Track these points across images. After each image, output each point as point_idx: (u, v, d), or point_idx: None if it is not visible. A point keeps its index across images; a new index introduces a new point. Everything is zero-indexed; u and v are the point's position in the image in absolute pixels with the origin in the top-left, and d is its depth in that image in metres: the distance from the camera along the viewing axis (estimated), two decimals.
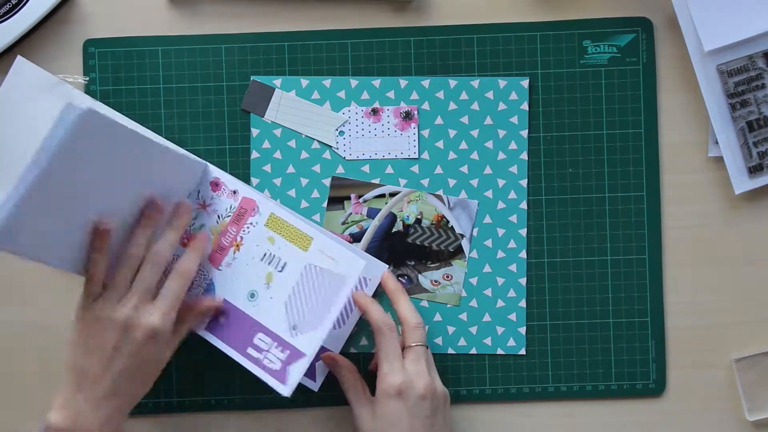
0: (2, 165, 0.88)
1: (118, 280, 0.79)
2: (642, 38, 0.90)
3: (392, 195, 0.90)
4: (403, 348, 0.83)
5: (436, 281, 0.90)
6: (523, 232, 0.90)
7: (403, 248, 0.90)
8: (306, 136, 0.90)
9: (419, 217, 0.90)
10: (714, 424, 0.91)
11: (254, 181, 0.90)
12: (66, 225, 0.76)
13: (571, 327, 0.91)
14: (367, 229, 0.90)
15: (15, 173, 0.73)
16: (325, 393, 0.89)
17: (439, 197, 0.90)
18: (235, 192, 0.86)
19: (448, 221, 0.90)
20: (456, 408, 0.91)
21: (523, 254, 0.90)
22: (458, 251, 0.90)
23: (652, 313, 0.90)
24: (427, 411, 0.80)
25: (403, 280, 0.90)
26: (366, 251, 0.90)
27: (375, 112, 0.90)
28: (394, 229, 0.91)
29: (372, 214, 0.91)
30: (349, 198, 0.91)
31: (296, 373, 0.81)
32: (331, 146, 0.90)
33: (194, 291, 0.85)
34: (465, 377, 0.91)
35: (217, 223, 0.86)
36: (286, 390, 0.81)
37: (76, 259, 0.79)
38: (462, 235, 0.90)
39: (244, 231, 0.85)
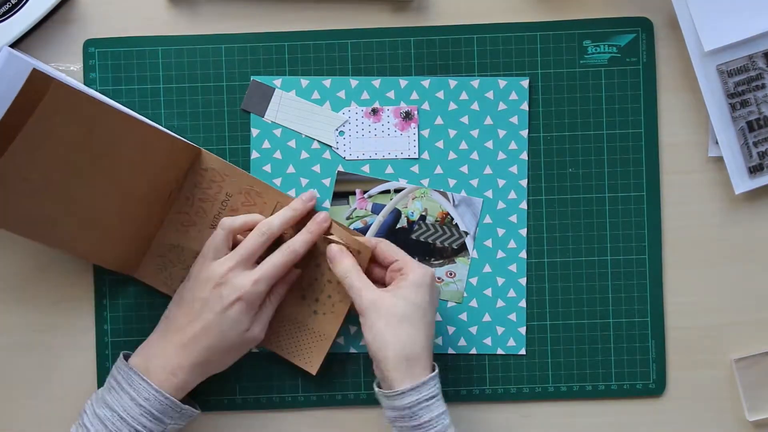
0: None
1: (240, 246, 0.84)
2: (642, 38, 0.90)
3: (397, 191, 0.91)
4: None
5: (439, 278, 0.90)
6: (523, 232, 0.90)
7: (407, 244, 0.90)
8: (306, 136, 0.90)
9: (424, 213, 0.90)
10: (714, 424, 0.91)
11: None
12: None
13: (571, 327, 0.91)
14: (371, 224, 0.91)
15: None
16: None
17: (443, 194, 0.90)
18: None
19: (452, 218, 0.90)
20: (456, 408, 0.91)
21: (523, 254, 0.90)
22: (462, 249, 0.90)
23: (652, 313, 0.90)
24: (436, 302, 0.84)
25: None
26: None
27: (375, 112, 0.90)
28: (398, 225, 0.91)
29: (377, 209, 0.91)
30: (354, 193, 0.91)
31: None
32: (331, 146, 0.90)
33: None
34: (465, 377, 0.91)
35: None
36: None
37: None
38: (466, 233, 0.90)
39: None
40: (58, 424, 0.91)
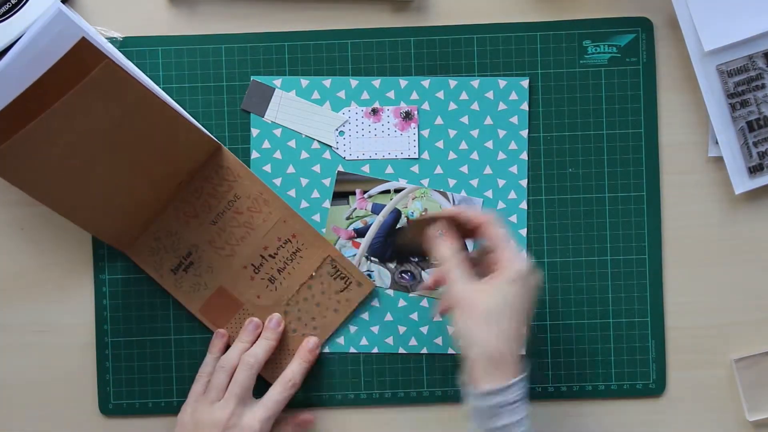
0: None
1: (214, 384, 0.86)
2: (642, 38, 0.90)
3: (397, 191, 0.91)
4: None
5: None
6: (523, 232, 0.90)
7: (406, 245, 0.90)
8: (306, 136, 0.90)
9: (424, 213, 0.90)
10: (714, 424, 0.91)
11: None
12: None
13: (571, 327, 0.91)
14: (371, 224, 0.91)
15: None
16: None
17: (443, 194, 0.90)
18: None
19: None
20: (456, 408, 0.91)
21: (523, 254, 0.90)
22: (462, 249, 0.90)
23: (652, 313, 0.90)
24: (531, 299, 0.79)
25: (407, 277, 0.90)
26: (369, 247, 0.90)
27: (375, 112, 0.90)
28: (398, 225, 0.91)
29: (376, 209, 0.91)
30: (354, 193, 0.91)
31: None
32: (331, 146, 0.90)
33: None
34: None
35: None
36: None
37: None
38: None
39: None
40: (58, 424, 0.91)
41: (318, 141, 0.90)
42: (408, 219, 0.88)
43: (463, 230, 0.82)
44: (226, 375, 0.86)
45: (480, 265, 0.81)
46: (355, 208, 0.91)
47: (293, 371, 0.87)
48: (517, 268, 0.78)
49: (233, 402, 0.84)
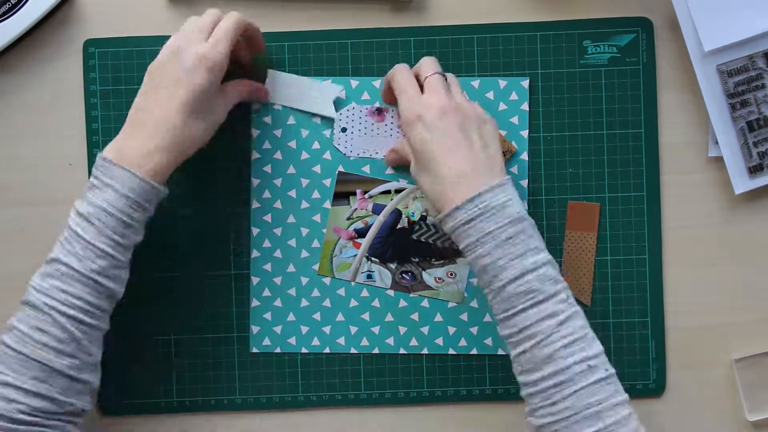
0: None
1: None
2: (642, 38, 0.90)
3: (398, 191, 0.91)
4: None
5: (439, 278, 0.90)
6: None
7: (407, 245, 0.90)
8: (303, 111, 0.90)
9: (425, 213, 0.90)
10: (714, 424, 0.91)
11: (255, 181, 0.90)
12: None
13: None
14: (371, 224, 0.91)
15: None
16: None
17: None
18: None
19: None
20: (456, 408, 0.91)
21: None
22: None
23: (652, 313, 0.91)
24: (452, 126, 0.79)
25: (407, 277, 0.90)
26: (370, 247, 0.90)
27: (379, 111, 0.90)
28: (399, 226, 0.91)
29: (377, 210, 0.91)
30: (354, 193, 0.91)
31: None
32: (332, 118, 0.89)
33: None
34: (465, 377, 0.91)
35: None
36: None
37: None
38: None
39: None
40: None
41: (318, 115, 0.90)
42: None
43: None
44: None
45: None
46: (356, 209, 0.91)
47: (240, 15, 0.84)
48: (405, 116, 0.81)
49: (189, 30, 0.81)
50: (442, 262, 0.90)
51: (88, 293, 0.77)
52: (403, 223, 0.91)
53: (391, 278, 0.90)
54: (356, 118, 0.90)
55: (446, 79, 0.82)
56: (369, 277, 0.90)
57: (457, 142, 0.78)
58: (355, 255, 0.90)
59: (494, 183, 0.77)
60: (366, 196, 0.91)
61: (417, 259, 0.91)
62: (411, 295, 0.90)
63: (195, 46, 0.80)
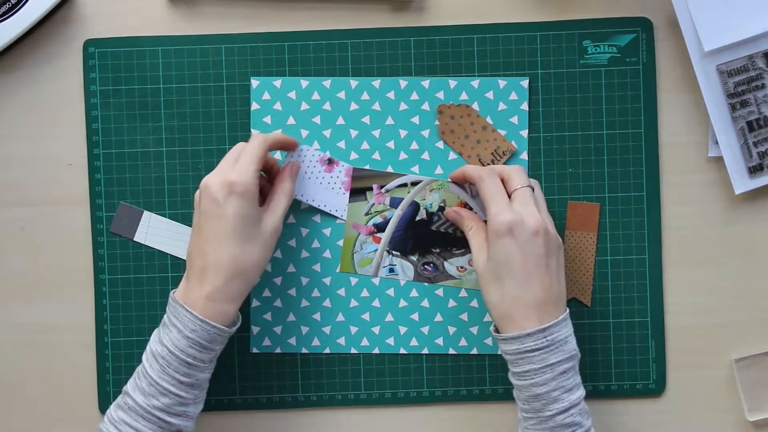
0: None
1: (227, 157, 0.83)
2: (642, 38, 0.90)
3: (414, 184, 0.90)
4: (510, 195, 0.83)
5: (462, 267, 0.90)
6: None
7: (427, 236, 0.90)
8: (174, 256, 0.90)
9: (442, 204, 0.90)
10: (714, 424, 0.91)
11: None
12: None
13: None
14: (390, 218, 0.90)
15: None
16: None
17: (461, 186, 0.90)
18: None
19: (471, 208, 0.90)
20: (456, 408, 0.91)
21: None
22: None
23: (652, 313, 0.91)
24: (540, 249, 0.80)
25: (429, 268, 0.90)
26: (390, 241, 0.90)
27: (330, 162, 0.90)
28: (417, 218, 0.91)
29: (395, 203, 0.91)
30: (371, 188, 0.91)
31: None
32: None
33: None
34: (465, 377, 0.91)
35: None
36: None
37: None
38: (485, 222, 0.90)
39: None
40: (57, 424, 0.91)
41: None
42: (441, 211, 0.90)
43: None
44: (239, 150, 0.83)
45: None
46: (374, 204, 0.91)
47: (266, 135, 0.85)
48: (496, 224, 0.80)
49: (219, 167, 0.81)
50: (462, 250, 0.90)
51: (152, 429, 0.79)
52: (422, 214, 0.91)
53: (414, 270, 0.90)
54: (308, 161, 0.90)
55: (533, 190, 0.83)
56: (391, 270, 0.90)
57: (539, 267, 0.80)
58: (376, 250, 0.90)
59: (561, 317, 0.80)
60: (383, 190, 0.90)
61: (438, 250, 0.90)
62: (434, 285, 0.90)
63: (222, 176, 0.80)
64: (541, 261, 0.79)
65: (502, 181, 0.83)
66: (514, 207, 0.80)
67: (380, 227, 0.90)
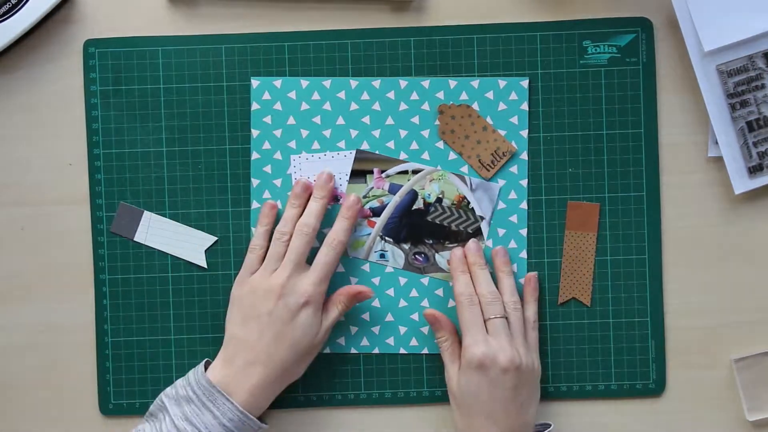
0: None
1: (271, 254, 0.86)
2: (642, 38, 0.90)
3: (415, 172, 0.90)
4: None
5: None
6: (524, 232, 0.90)
7: (422, 226, 0.90)
8: (174, 256, 0.90)
9: (440, 196, 0.90)
10: (714, 424, 0.91)
11: (255, 182, 0.90)
12: None
13: (571, 327, 0.91)
14: (387, 204, 0.91)
15: None
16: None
17: (461, 178, 0.90)
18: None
19: (469, 202, 0.90)
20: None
21: (524, 254, 0.90)
22: (477, 233, 0.90)
23: (652, 313, 0.91)
24: (508, 383, 0.82)
25: (420, 258, 0.90)
26: (385, 227, 0.90)
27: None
28: (414, 207, 0.91)
29: (394, 189, 0.91)
30: (371, 172, 0.91)
31: None
32: (200, 266, 0.90)
33: None
34: None
35: None
36: None
37: None
38: (482, 218, 0.90)
39: None
40: (57, 424, 0.91)
41: (187, 261, 0.90)
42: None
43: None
44: (283, 245, 0.86)
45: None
46: (372, 188, 0.91)
47: (336, 231, 0.87)
48: (468, 355, 0.83)
49: (289, 268, 0.84)
50: (456, 244, 0.90)
51: None
52: (419, 204, 0.91)
53: (404, 259, 0.90)
54: (304, 167, 0.90)
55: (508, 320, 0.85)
56: (382, 256, 0.90)
57: (506, 400, 0.83)
58: (370, 233, 0.90)
59: None
60: (383, 175, 0.90)
61: (431, 241, 0.90)
62: (423, 275, 0.90)
63: (299, 285, 0.84)
64: (509, 394, 0.82)
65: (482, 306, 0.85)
66: (488, 340, 0.83)
67: (376, 212, 0.91)
